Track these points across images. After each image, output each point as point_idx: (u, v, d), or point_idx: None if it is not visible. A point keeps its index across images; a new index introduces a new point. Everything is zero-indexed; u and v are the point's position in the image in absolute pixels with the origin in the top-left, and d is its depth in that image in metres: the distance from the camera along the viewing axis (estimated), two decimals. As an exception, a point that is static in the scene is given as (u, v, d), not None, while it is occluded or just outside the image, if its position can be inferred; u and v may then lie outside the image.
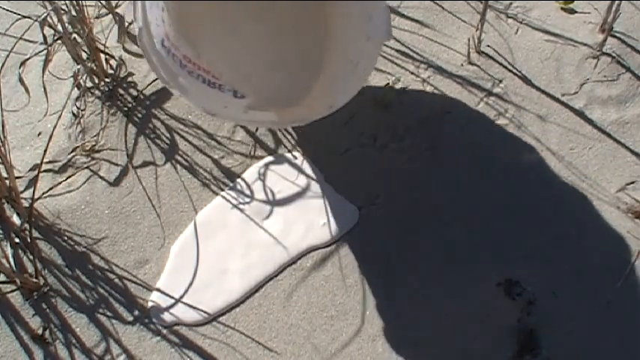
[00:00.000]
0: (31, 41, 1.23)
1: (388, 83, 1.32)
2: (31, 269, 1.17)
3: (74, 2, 1.23)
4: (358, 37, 1.01)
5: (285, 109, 1.05)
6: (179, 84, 1.06)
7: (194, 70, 1.01)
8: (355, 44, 1.01)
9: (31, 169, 1.28)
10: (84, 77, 1.32)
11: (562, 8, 1.41)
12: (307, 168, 1.25)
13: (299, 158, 1.26)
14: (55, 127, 1.26)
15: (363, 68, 1.07)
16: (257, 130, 1.30)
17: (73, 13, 1.24)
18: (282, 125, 1.18)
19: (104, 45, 1.37)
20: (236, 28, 0.96)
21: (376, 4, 1.03)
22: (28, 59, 1.24)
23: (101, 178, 1.27)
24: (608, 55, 1.33)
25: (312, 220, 1.19)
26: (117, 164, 1.28)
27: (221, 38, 0.98)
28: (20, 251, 1.19)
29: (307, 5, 0.92)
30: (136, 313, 1.14)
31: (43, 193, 1.25)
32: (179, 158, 1.28)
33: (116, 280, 1.16)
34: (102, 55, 1.35)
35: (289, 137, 1.29)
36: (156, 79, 1.37)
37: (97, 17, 1.44)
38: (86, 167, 1.28)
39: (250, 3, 0.93)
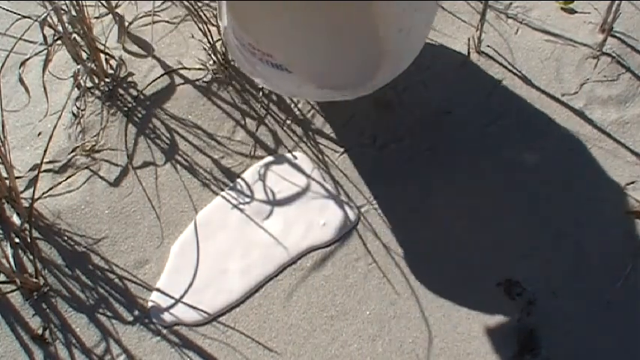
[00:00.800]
0: (31, 41, 1.23)
1: (388, 83, 1.32)
2: (31, 269, 1.17)
3: (74, 2, 1.23)
4: (408, 9, 1.05)
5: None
6: (258, 72, 1.11)
7: (263, 57, 1.06)
8: (406, 15, 1.05)
9: (31, 169, 1.28)
10: (84, 77, 1.32)
11: (562, 8, 1.41)
12: (307, 168, 1.25)
13: (299, 158, 1.26)
14: (55, 127, 1.26)
15: (415, 38, 1.12)
16: (257, 129, 1.30)
17: (73, 13, 1.24)
18: (357, 95, 1.21)
19: (104, 45, 1.37)
20: (282, 13, 0.99)
21: None
22: (28, 59, 1.24)
23: (101, 178, 1.27)
24: (608, 55, 1.33)
25: (312, 220, 1.19)
26: (117, 164, 1.28)
27: (271, 25, 1.02)
28: (20, 251, 1.19)
29: None
30: (136, 313, 1.14)
31: (43, 193, 1.25)
32: (179, 158, 1.28)
33: (116, 280, 1.16)
34: (102, 55, 1.35)
35: (289, 137, 1.29)
36: (156, 78, 1.37)
37: (97, 17, 1.44)
38: (86, 167, 1.28)
39: None
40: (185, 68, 1.38)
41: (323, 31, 1.00)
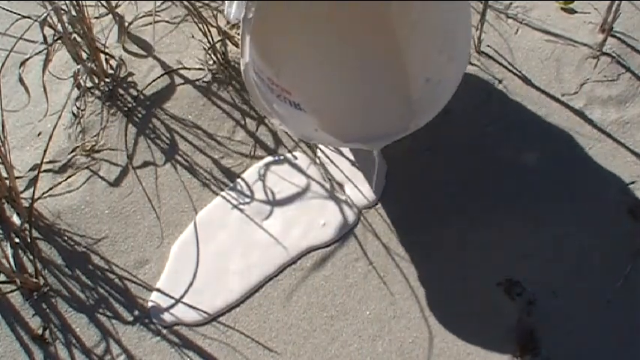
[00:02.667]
0: (31, 41, 1.23)
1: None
2: (31, 269, 1.17)
3: (74, 2, 1.23)
4: (439, 58, 0.98)
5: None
6: (275, 111, 1.05)
7: (281, 94, 1.02)
8: (436, 65, 0.99)
9: (31, 169, 1.28)
10: (84, 77, 1.32)
11: (562, 8, 1.41)
12: (307, 168, 1.25)
13: (299, 158, 1.26)
14: (55, 127, 1.26)
15: (445, 88, 1.05)
16: (257, 129, 1.30)
17: (73, 13, 1.24)
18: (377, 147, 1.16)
19: (104, 45, 1.37)
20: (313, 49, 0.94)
21: (459, 27, 1.02)
22: (28, 59, 1.24)
23: (101, 178, 1.27)
24: (608, 55, 1.33)
25: (312, 220, 1.19)
26: (117, 164, 1.28)
27: (294, 56, 0.96)
28: (20, 251, 1.19)
29: (385, 24, 0.91)
30: (136, 313, 1.14)
31: (43, 193, 1.25)
32: (179, 158, 1.28)
33: (116, 280, 1.16)
34: (102, 55, 1.35)
35: (289, 137, 1.29)
36: (156, 78, 1.37)
37: (97, 17, 1.44)
38: (86, 167, 1.28)
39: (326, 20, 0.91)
40: (185, 68, 1.38)
41: (346, 70, 0.95)
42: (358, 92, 0.98)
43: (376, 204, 1.20)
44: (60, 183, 1.27)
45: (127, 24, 1.43)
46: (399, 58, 0.93)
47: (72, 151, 1.30)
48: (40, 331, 1.12)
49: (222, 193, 1.24)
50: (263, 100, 1.04)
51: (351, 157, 1.25)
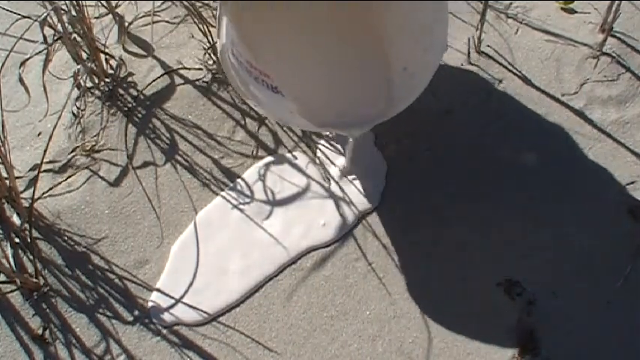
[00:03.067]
0: (31, 41, 1.23)
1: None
2: (31, 269, 1.17)
3: (74, 2, 1.23)
4: (415, 49, 1.00)
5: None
6: (251, 93, 1.06)
7: (259, 77, 1.02)
8: (413, 55, 1.00)
9: (31, 169, 1.28)
10: (84, 77, 1.32)
11: (562, 8, 1.41)
12: (307, 168, 1.25)
13: (299, 158, 1.26)
14: (55, 127, 1.26)
15: (421, 78, 1.07)
16: (258, 129, 1.30)
17: (73, 13, 1.24)
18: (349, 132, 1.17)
19: (104, 45, 1.37)
20: (289, 31, 0.95)
21: (437, 17, 1.04)
22: (28, 59, 1.24)
23: (101, 178, 1.27)
24: (608, 55, 1.33)
25: (312, 220, 1.19)
26: (117, 164, 1.28)
27: (273, 40, 0.97)
28: (20, 251, 1.19)
29: (364, 18, 0.91)
30: (136, 313, 1.14)
31: (43, 193, 1.25)
32: (179, 158, 1.28)
33: (116, 280, 1.17)
34: (102, 55, 1.35)
35: (289, 137, 1.29)
36: (156, 78, 1.37)
37: (97, 17, 1.44)
38: (86, 167, 1.28)
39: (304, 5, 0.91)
40: (185, 68, 1.38)
41: (327, 57, 0.96)
42: (338, 79, 0.99)
43: (376, 207, 1.20)
44: (60, 183, 1.27)
45: (127, 24, 1.43)
46: (378, 46, 0.94)
47: (72, 151, 1.30)
48: (40, 331, 1.12)
49: (222, 193, 1.24)
50: (240, 82, 1.05)
51: (351, 157, 1.25)
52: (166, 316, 1.13)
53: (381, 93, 1.02)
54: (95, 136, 1.31)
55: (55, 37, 1.26)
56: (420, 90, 1.09)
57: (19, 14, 1.28)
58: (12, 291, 1.15)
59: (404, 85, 1.04)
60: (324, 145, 1.27)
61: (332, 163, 1.25)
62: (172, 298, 1.14)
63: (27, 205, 1.22)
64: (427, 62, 1.08)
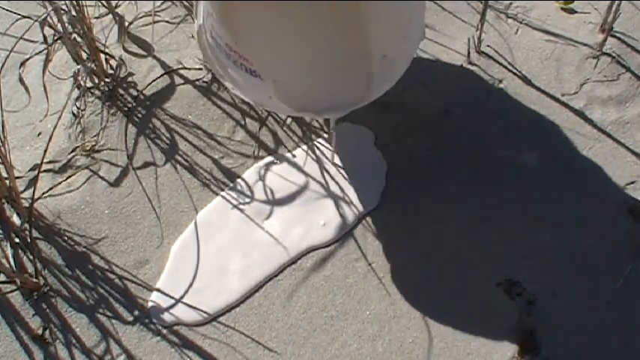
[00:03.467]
0: (31, 41, 1.23)
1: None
2: (31, 269, 1.17)
3: (74, 2, 1.23)
4: (395, 36, 1.02)
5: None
6: (229, 75, 1.07)
7: (237, 60, 1.03)
8: (392, 43, 1.02)
9: (31, 169, 1.28)
10: (84, 77, 1.32)
11: (562, 8, 1.41)
12: (307, 168, 1.25)
13: (299, 158, 1.26)
14: (55, 127, 1.26)
15: (399, 65, 1.09)
16: (259, 129, 1.30)
17: (73, 13, 1.24)
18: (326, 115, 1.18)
19: (104, 45, 1.37)
20: (273, 19, 0.96)
21: (416, 4, 1.05)
22: (28, 59, 1.24)
23: (101, 178, 1.27)
24: (608, 55, 1.33)
25: (312, 220, 1.19)
26: (117, 164, 1.28)
27: (255, 25, 0.98)
28: (20, 251, 1.19)
29: (345, 5, 0.93)
30: (136, 313, 1.14)
31: (43, 193, 1.25)
32: (179, 158, 1.28)
33: (116, 280, 1.17)
34: (102, 55, 1.35)
35: (289, 137, 1.29)
36: (156, 78, 1.37)
37: (97, 17, 1.44)
38: (86, 167, 1.28)
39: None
40: (185, 68, 1.38)
41: (308, 42, 0.97)
42: (318, 65, 1.01)
43: (376, 207, 1.20)
44: (60, 183, 1.27)
45: (127, 24, 1.43)
46: (358, 34, 0.96)
47: (72, 151, 1.30)
48: (40, 331, 1.12)
49: (222, 193, 1.24)
50: (218, 65, 1.06)
51: (351, 157, 1.25)
52: (166, 316, 1.13)
53: (360, 79, 1.03)
54: (95, 136, 1.31)
55: (55, 37, 1.26)
56: (397, 77, 1.11)
57: (19, 14, 1.28)
58: (12, 291, 1.15)
59: (382, 72, 1.05)
60: (324, 145, 1.27)
61: (332, 162, 1.25)
62: (172, 298, 1.14)
63: (27, 205, 1.22)
64: (405, 50, 1.09)
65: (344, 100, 1.07)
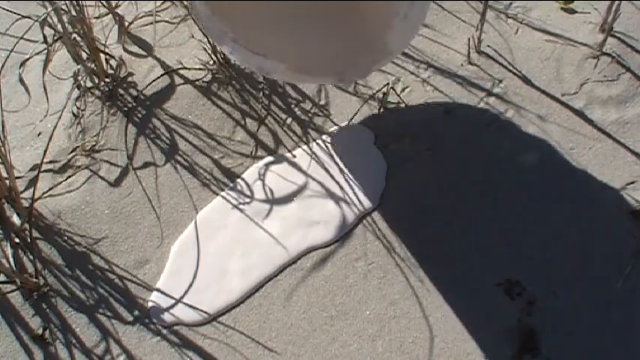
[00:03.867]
0: (31, 41, 1.23)
1: (388, 83, 1.32)
2: (31, 269, 1.17)
3: (74, 2, 1.23)
4: None
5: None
6: (227, 47, 1.10)
7: (237, 39, 1.06)
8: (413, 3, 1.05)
9: (31, 169, 1.28)
10: (84, 77, 1.32)
11: (562, 8, 1.41)
12: (307, 168, 1.25)
13: (299, 158, 1.26)
14: (55, 127, 1.26)
15: (413, 18, 1.10)
16: (258, 129, 1.30)
17: (73, 13, 1.24)
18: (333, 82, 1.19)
19: (104, 45, 1.37)
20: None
21: None
22: (28, 59, 1.24)
23: (101, 178, 1.27)
24: (608, 55, 1.33)
25: (312, 220, 1.19)
26: (117, 164, 1.28)
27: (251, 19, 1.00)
28: (20, 251, 1.19)
29: None
30: (136, 313, 1.14)
31: (43, 193, 1.25)
32: (179, 158, 1.28)
33: (116, 280, 1.17)
34: (102, 55, 1.35)
35: (289, 137, 1.29)
36: (156, 78, 1.37)
37: (97, 17, 1.44)
38: (86, 167, 1.28)
39: None
40: (185, 68, 1.38)
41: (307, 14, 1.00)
42: (336, 29, 1.04)
43: (376, 207, 1.20)
44: (60, 183, 1.27)
45: (127, 24, 1.44)
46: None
47: (72, 151, 1.30)
48: (40, 331, 1.12)
49: (222, 193, 1.24)
50: (215, 34, 1.08)
51: (351, 157, 1.25)
52: (166, 316, 1.13)
53: (379, 39, 1.05)
54: (95, 136, 1.31)
55: (55, 37, 1.26)
56: (405, 46, 1.13)
57: (19, 14, 1.28)
58: (12, 291, 1.15)
59: (401, 30, 1.07)
60: (324, 145, 1.27)
61: (332, 162, 1.25)
62: (172, 298, 1.14)
63: (27, 205, 1.22)
64: (419, 9, 1.09)
65: (363, 61, 1.08)
